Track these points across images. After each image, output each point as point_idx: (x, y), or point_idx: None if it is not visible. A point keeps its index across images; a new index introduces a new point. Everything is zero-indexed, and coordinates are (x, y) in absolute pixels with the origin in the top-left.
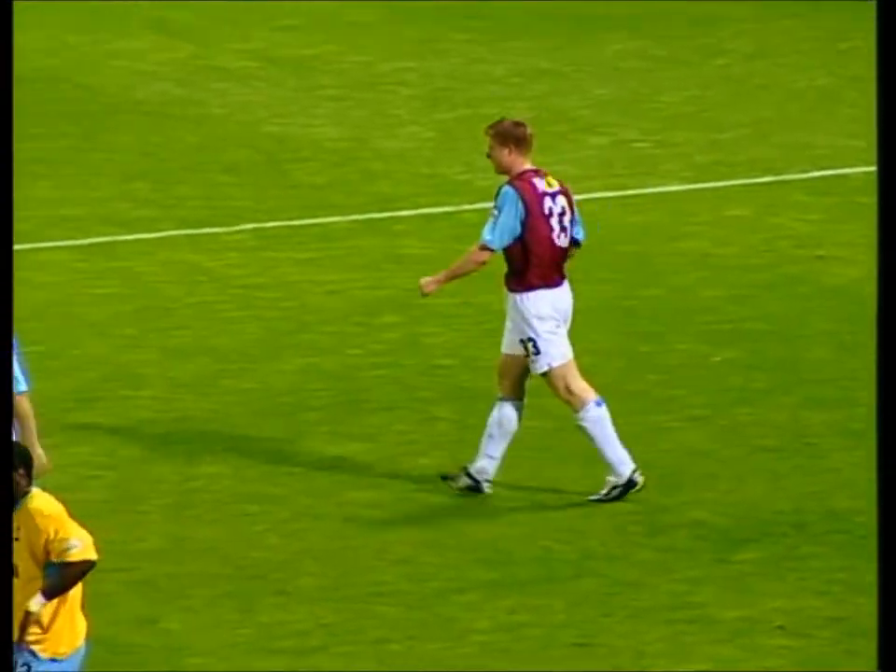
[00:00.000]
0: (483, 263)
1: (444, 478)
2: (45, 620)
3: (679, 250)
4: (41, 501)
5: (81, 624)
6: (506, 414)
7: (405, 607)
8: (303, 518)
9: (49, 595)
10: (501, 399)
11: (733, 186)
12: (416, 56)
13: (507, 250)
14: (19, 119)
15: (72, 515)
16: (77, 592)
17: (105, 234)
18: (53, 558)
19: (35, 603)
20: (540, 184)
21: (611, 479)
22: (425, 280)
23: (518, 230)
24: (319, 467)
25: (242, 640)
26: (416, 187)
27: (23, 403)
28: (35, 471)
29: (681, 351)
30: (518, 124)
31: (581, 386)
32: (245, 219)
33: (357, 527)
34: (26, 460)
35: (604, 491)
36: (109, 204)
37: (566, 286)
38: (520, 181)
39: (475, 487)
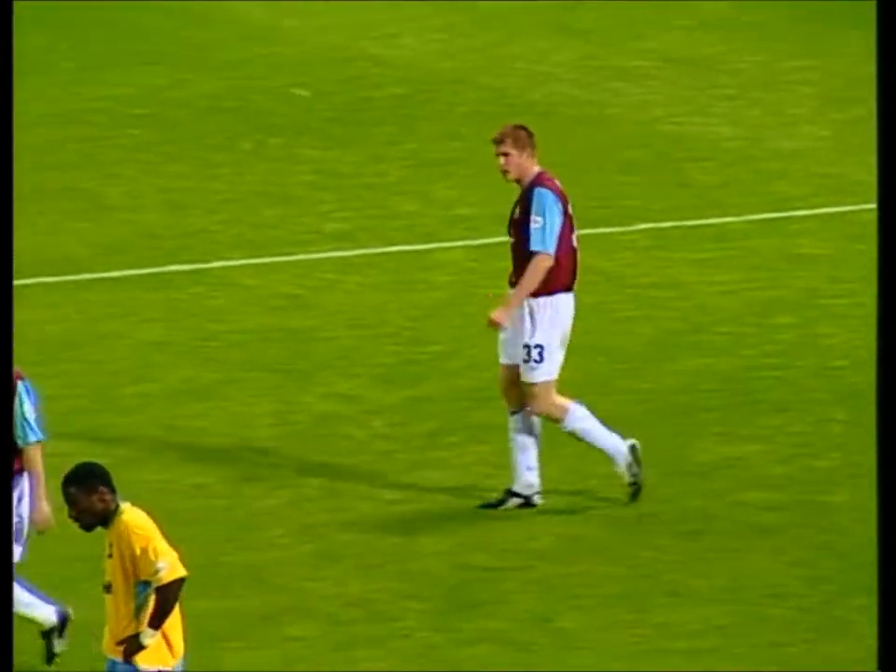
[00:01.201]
0: (546, 270)
1: (487, 506)
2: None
3: None
4: (131, 517)
5: (178, 637)
6: (531, 422)
7: (800, 609)
8: (696, 519)
9: (157, 624)
10: (515, 413)
11: None
12: (815, 55)
13: (529, 251)
14: (427, 122)
15: (161, 530)
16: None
17: (500, 234)
18: (142, 577)
19: (148, 637)
20: (560, 185)
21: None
22: (497, 315)
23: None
24: (712, 467)
25: (634, 641)
26: (813, 187)
27: (34, 454)
28: (37, 526)
29: None
30: (525, 128)
31: (560, 398)
32: (639, 219)
33: (751, 529)
34: (106, 479)
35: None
36: (505, 205)
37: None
38: (548, 181)
39: (527, 503)
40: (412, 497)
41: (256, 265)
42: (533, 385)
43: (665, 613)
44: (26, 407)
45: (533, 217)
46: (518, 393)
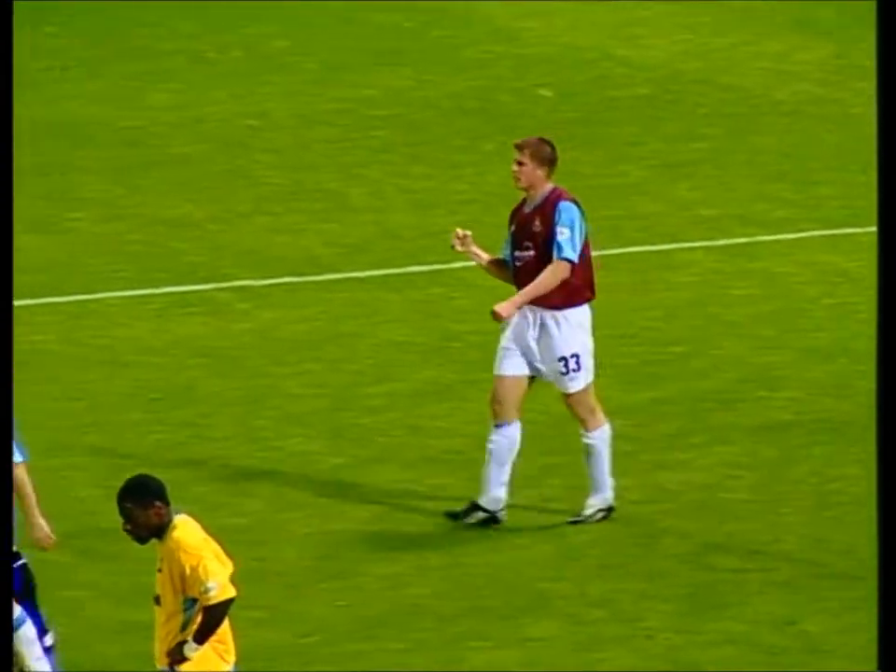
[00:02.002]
0: (562, 279)
1: (452, 516)
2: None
3: None
4: (182, 532)
5: (230, 649)
6: (514, 437)
7: None
8: None
9: (201, 639)
10: (501, 425)
11: None
12: None
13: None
14: (671, 123)
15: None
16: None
17: (743, 235)
18: (190, 594)
19: (190, 650)
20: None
21: (594, 501)
22: (500, 306)
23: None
24: None
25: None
26: None
27: (20, 475)
28: (39, 543)
29: None
30: (550, 144)
31: (599, 406)
32: None
33: None
34: (161, 493)
35: (587, 513)
36: (748, 205)
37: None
38: (569, 196)
39: (492, 519)
40: (654, 498)
41: None
42: (575, 393)
43: None
44: None
45: (560, 229)
46: (509, 405)
